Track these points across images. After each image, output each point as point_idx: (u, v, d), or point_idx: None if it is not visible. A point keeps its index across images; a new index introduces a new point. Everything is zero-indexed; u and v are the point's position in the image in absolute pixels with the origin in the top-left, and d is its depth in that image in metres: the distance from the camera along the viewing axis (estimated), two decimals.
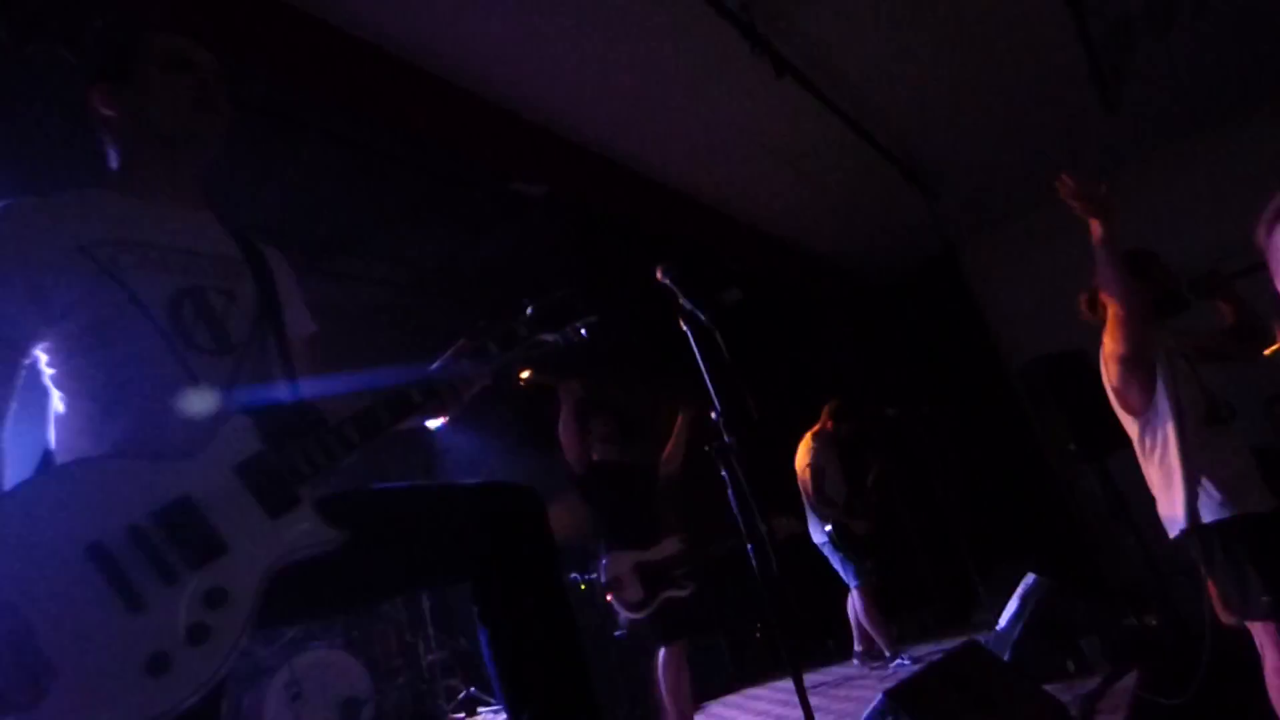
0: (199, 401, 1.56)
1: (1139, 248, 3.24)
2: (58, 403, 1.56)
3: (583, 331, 2.06)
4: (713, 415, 2.75)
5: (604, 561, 4.58)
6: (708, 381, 2.83)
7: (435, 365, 1.82)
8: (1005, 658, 3.56)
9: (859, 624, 6.01)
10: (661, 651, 4.52)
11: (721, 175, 5.55)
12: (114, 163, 1.73)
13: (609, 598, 4.51)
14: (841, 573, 6.02)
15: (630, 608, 4.47)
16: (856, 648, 6.06)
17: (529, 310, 1.98)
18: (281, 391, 1.71)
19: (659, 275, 2.85)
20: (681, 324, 2.83)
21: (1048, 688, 3.31)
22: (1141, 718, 3.21)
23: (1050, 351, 6.81)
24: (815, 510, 6.11)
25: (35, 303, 1.48)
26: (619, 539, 4.66)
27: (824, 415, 6.42)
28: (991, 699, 2.98)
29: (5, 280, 1.47)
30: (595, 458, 4.87)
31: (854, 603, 6.02)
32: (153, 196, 1.70)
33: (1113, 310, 2.99)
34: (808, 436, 6.37)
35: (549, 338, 1.99)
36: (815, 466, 6.16)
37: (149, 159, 1.72)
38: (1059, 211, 7.30)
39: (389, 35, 3.54)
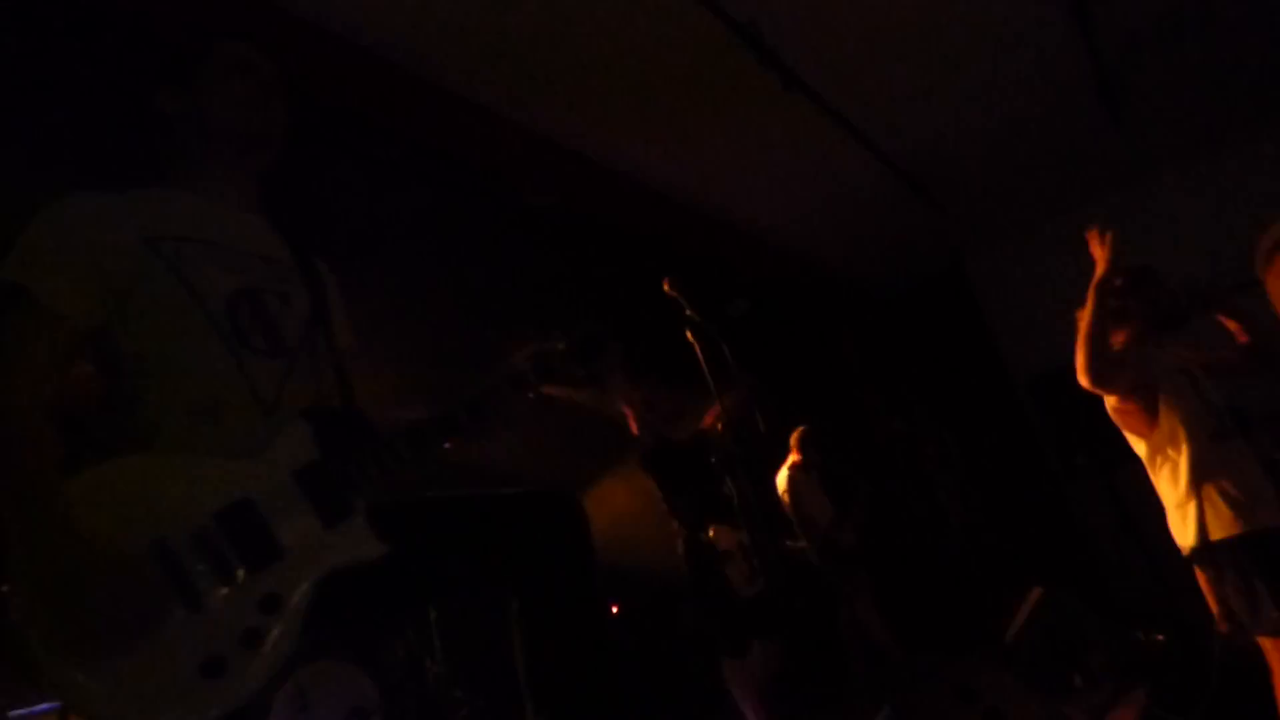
0: (252, 403, 1.58)
1: (1138, 264, 3.26)
2: (109, 390, 1.57)
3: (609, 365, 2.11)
4: (719, 426, 2.76)
5: (709, 532, 4.46)
6: (715, 393, 2.85)
7: (480, 389, 1.85)
8: (1011, 672, 3.55)
9: (857, 640, 5.99)
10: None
11: (729, 187, 5.56)
12: (175, 163, 1.78)
13: (723, 570, 4.38)
14: (841, 586, 6.02)
15: (743, 582, 4.38)
16: (860, 666, 6.04)
17: (561, 346, 2.02)
18: (335, 399, 1.76)
19: (667, 287, 2.87)
20: (689, 335, 2.84)
21: (1054, 702, 3.29)
22: None
23: (1057, 365, 6.81)
24: (801, 530, 6.15)
25: (102, 291, 1.51)
26: (712, 514, 4.54)
27: (792, 445, 6.53)
28: (998, 712, 2.98)
29: (73, 266, 1.49)
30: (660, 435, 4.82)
31: (852, 617, 6.01)
32: (213, 196, 1.76)
33: (1079, 342, 3.01)
34: (783, 467, 6.47)
35: (580, 372, 2.05)
36: (792, 494, 6.26)
37: (209, 160, 1.77)
38: (1066, 225, 7.33)
39: (399, 48, 3.58)
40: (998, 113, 5.66)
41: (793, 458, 6.47)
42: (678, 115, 4.61)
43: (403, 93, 3.57)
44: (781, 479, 6.37)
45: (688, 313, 2.83)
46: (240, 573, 1.39)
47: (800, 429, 6.59)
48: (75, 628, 1.25)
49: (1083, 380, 3.01)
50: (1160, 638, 4.26)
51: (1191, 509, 2.95)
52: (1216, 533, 2.89)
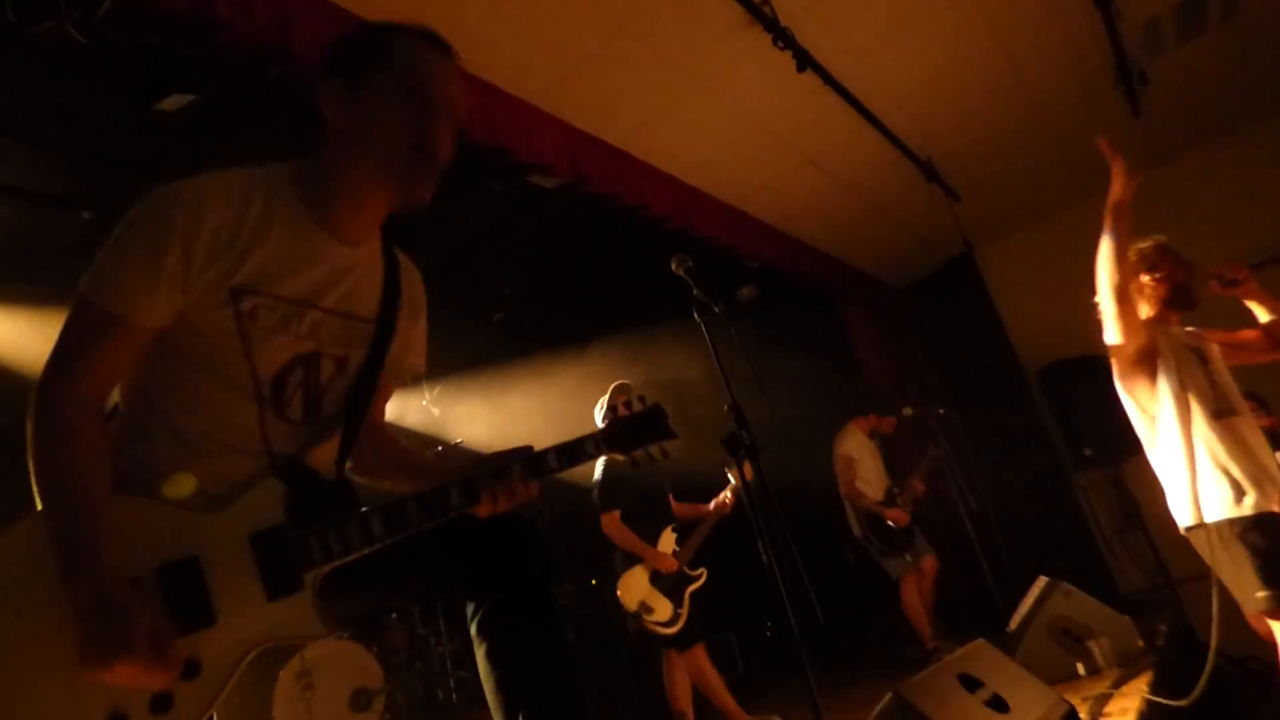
0: (264, 464, 1.55)
1: (1155, 241, 3.25)
2: (131, 384, 1.55)
3: (664, 453, 1.88)
4: (726, 408, 2.75)
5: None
6: (722, 375, 2.83)
7: (486, 461, 1.71)
8: (1015, 659, 3.54)
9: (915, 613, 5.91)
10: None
11: (740, 171, 5.54)
12: (317, 156, 1.62)
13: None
14: (882, 565, 5.97)
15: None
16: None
17: (604, 426, 1.84)
18: (329, 456, 1.70)
19: (674, 267, 2.86)
20: (696, 316, 2.83)
21: (1057, 690, 3.29)
22: None
23: (1068, 356, 6.79)
24: (847, 501, 6.08)
25: (174, 309, 1.46)
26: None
27: (867, 410, 6.42)
28: (1002, 700, 2.97)
29: (168, 284, 1.43)
30: None
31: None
32: (330, 222, 1.60)
33: (1106, 260, 2.99)
34: (848, 425, 6.34)
35: (618, 458, 1.85)
36: (847, 457, 6.12)
37: (346, 179, 1.60)
38: (1080, 215, 7.27)
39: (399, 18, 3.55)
40: (1014, 100, 5.61)
41: (860, 415, 6.38)
42: (689, 96, 4.58)
43: None
44: (839, 439, 6.27)
45: (695, 293, 2.81)
46: None
47: (876, 389, 6.53)
48: None
49: (1108, 300, 2.99)
50: (1163, 626, 4.25)
51: (1190, 488, 2.96)
52: (1212, 514, 2.90)
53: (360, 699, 5.45)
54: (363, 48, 1.60)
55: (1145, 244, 3.23)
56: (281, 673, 5.26)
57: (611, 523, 4.65)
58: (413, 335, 1.87)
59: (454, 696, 6.19)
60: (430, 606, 6.46)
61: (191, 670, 1.35)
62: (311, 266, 1.58)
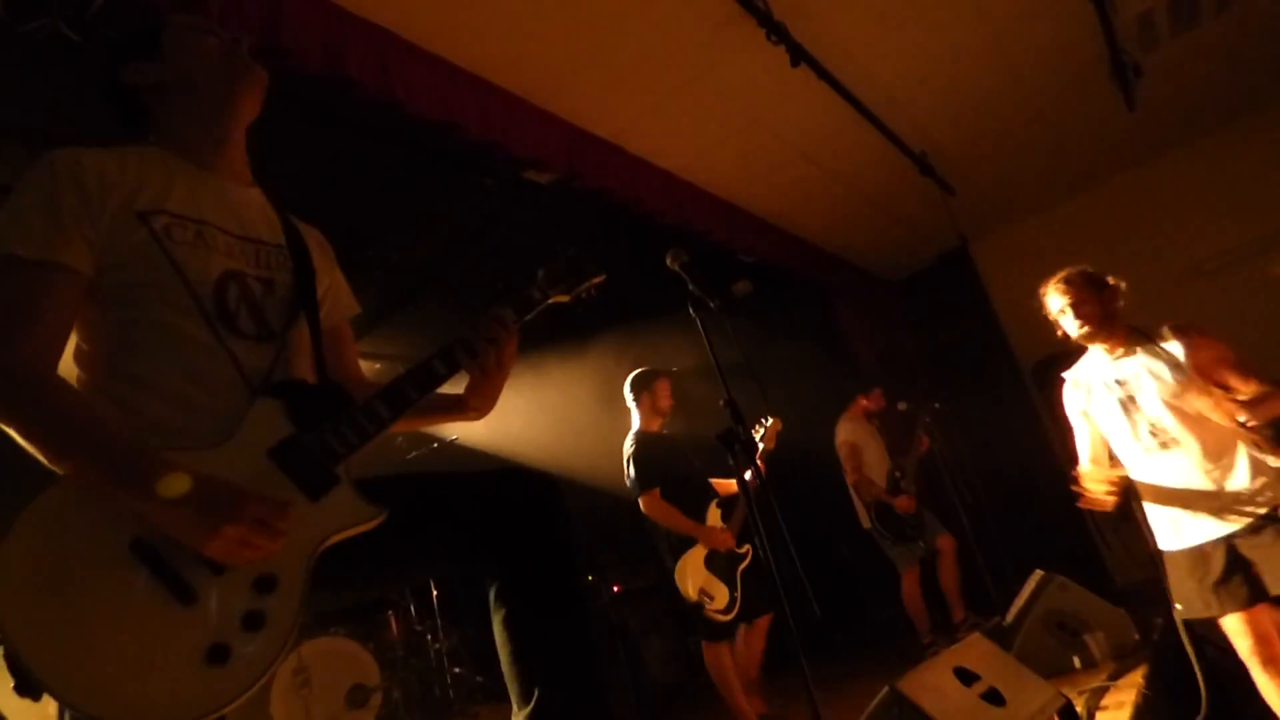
0: (239, 387, 1.55)
1: (1079, 269, 3.26)
2: (86, 367, 1.55)
3: (592, 291, 2.13)
4: (722, 403, 2.75)
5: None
6: (718, 370, 2.83)
7: (455, 337, 1.80)
8: (1011, 653, 3.55)
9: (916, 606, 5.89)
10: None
11: (734, 165, 5.53)
12: (163, 131, 1.72)
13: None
14: (890, 556, 5.94)
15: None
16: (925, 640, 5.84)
17: (540, 274, 2.04)
18: (309, 374, 1.71)
19: (669, 262, 2.86)
20: (691, 311, 2.82)
21: (1054, 683, 3.30)
22: (1146, 715, 3.20)
23: (1062, 350, 6.78)
24: (856, 491, 6.06)
25: (92, 250, 1.48)
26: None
27: (858, 397, 6.46)
28: (997, 693, 2.98)
29: (74, 221, 1.46)
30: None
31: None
32: (208, 165, 1.72)
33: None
34: (843, 414, 6.37)
35: (563, 299, 2.06)
36: (849, 445, 6.13)
37: (193, 122, 1.72)
38: (1075, 208, 7.27)
39: (400, 19, 3.54)
40: (1008, 94, 5.61)
41: (854, 402, 6.41)
42: (683, 91, 4.57)
43: (398, 61, 3.52)
44: (838, 429, 6.29)
45: (690, 288, 2.81)
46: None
47: (866, 375, 6.54)
48: (68, 633, 1.23)
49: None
50: (1158, 620, 4.27)
51: (1143, 520, 3.12)
52: (1159, 544, 3.05)
53: (356, 695, 5.45)
54: (143, 27, 1.75)
55: (1059, 282, 3.25)
56: (278, 669, 5.27)
57: (653, 502, 4.38)
58: (336, 279, 1.96)
59: (450, 693, 6.19)
60: (426, 603, 6.46)
61: (269, 584, 1.39)
62: (203, 195, 1.67)
